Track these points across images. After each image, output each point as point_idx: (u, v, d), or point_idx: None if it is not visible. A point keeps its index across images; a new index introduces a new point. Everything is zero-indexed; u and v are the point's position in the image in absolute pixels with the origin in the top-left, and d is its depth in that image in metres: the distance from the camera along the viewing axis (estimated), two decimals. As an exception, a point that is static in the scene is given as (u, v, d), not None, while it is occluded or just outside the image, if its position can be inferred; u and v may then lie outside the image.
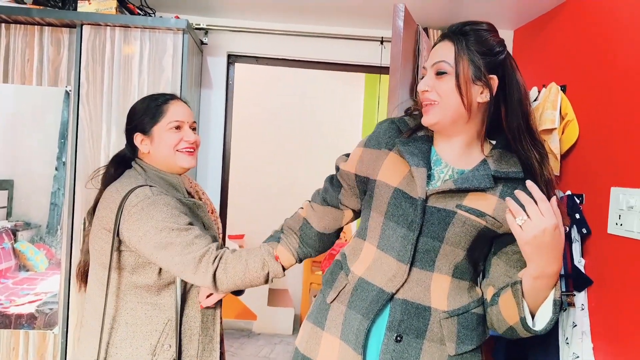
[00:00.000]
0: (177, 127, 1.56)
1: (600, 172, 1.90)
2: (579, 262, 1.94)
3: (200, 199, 1.72)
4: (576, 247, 1.96)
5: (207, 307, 1.58)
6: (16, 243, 2.54)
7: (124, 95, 2.32)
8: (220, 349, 1.69)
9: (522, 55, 2.69)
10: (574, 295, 1.93)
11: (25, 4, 2.30)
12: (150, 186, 1.48)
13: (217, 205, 2.94)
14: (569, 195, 2.02)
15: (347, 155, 1.45)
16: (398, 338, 1.22)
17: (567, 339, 1.94)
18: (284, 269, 1.46)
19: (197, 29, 2.74)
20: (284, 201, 4.43)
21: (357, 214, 1.49)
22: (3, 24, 2.32)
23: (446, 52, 1.22)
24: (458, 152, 1.27)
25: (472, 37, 1.21)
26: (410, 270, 1.23)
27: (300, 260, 1.50)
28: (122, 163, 1.62)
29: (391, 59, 2.09)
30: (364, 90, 5.22)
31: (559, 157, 2.10)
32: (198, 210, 1.59)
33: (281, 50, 2.89)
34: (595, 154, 1.95)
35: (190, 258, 1.40)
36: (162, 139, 1.54)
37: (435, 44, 1.27)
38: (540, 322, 1.18)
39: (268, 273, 1.44)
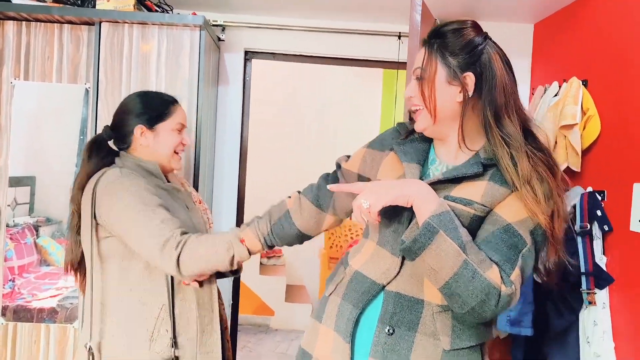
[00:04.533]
0: (179, 130, 1.64)
1: (622, 168, 1.86)
2: (600, 260, 1.91)
3: (186, 190, 1.76)
4: (597, 244, 1.92)
5: (202, 289, 1.58)
6: (38, 238, 2.58)
7: (142, 92, 2.33)
8: (225, 336, 1.70)
9: (543, 50, 2.65)
10: (595, 293, 1.90)
11: (45, 2, 2.33)
12: (120, 168, 1.54)
13: (234, 203, 2.95)
14: (590, 192, 1.98)
15: (349, 156, 1.47)
16: (390, 330, 1.21)
17: (587, 338, 1.91)
18: (250, 253, 1.49)
19: (214, 25, 2.74)
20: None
21: (339, 221, 1.51)
22: (24, 22, 2.35)
23: (421, 57, 1.24)
24: (454, 151, 1.27)
25: (448, 37, 1.21)
26: (402, 263, 1.24)
27: (269, 247, 1.51)
28: (98, 148, 1.62)
29: (408, 53, 2.07)
30: (382, 86, 5.19)
31: (580, 153, 2.07)
32: (178, 194, 1.65)
33: (298, 46, 2.89)
34: (617, 149, 1.91)
35: (154, 242, 1.42)
36: (166, 138, 1.61)
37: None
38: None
39: (233, 256, 1.45)
